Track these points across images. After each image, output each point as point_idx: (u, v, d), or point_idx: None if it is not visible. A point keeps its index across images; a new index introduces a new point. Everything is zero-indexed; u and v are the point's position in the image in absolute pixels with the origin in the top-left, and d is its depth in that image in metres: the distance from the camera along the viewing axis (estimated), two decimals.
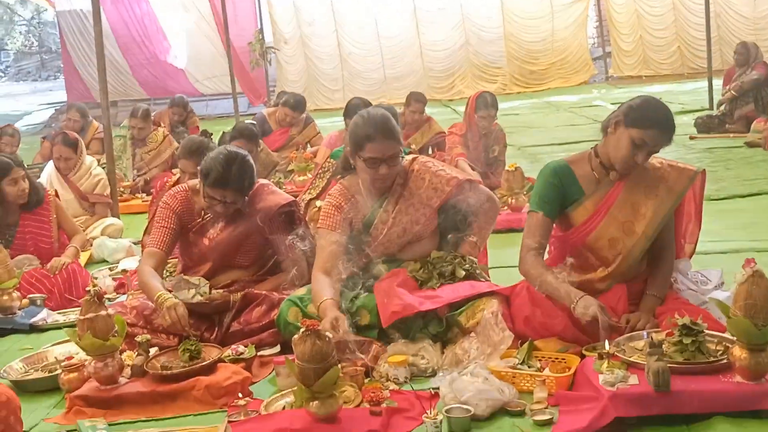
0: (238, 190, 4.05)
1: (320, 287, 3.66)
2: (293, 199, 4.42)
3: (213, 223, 4.19)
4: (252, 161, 4.17)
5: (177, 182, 5.30)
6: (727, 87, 10.27)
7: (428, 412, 2.99)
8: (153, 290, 3.87)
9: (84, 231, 6.18)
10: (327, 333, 3.04)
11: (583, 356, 3.29)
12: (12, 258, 5.00)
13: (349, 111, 6.74)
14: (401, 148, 3.86)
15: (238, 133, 7.15)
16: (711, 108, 11.46)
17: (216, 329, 3.96)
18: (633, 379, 2.89)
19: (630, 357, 3.05)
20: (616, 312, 3.47)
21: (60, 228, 5.51)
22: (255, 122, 7.85)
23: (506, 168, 6.56)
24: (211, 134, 6.11)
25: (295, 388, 3.14)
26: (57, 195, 5.70)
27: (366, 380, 3.43)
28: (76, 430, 3.16)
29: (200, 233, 4.22)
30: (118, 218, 6.99)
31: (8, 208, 5.31)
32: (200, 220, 4.23)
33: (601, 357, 3.04)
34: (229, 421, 3.05)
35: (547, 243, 3.67)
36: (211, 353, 3.64)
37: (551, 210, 3.62)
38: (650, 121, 3.44)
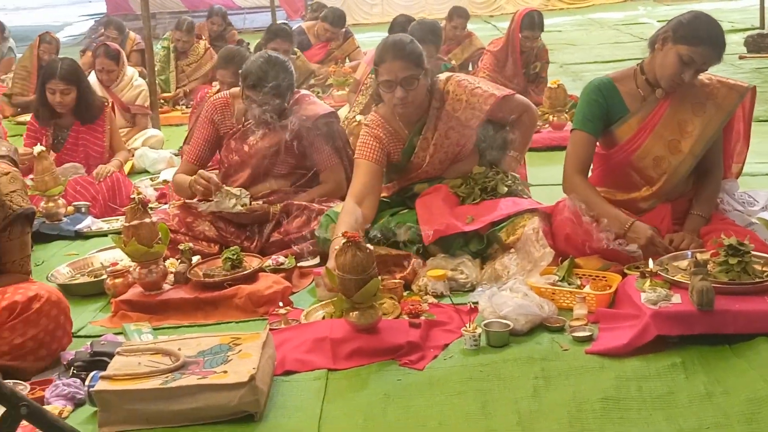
0: (276, 93, 4.03)
1: (343, 217, 3.56)
2: (333, 110, 4.40)
3: (253, 130, 4.19)
4: (291, 66, 4.15)
5: (217, 92, 5.28)
6: None
7: (467, 325, 3.01)
8: (185, 182, 4.15)
9: (126, 142, 6.22)
10: (368, 246, 3.04)
11: (624, 275, 3.28)
12: (60, 164, 5.05)
13: (393, 29, 6.63)
14: (419, 71, 3.71)
15: (272, 33, 7.08)
16: (762, 27, 11.12)
17: (256, 239, 4.00)
18: (676, 298, 2.87)
19: (673, 276, 3.02)
20: (660, 232, 3.44)
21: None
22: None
23: (549, 85, 6.45)
24: (248, 43, 6.04)
25: (335, 298, 3.17)
26: (113, 108, 5.71)
27: (405, 293, 3.45)
28: (121, 333, 3.23)
29: (240, 139, 4.23)
30: (159, 130, 7.01)
31: (56, 112, 5.33)
32: (241, 126, 4.23)
33: (643, 275, 3.02)
34: (270, 329, 3.10)
35: (591, 162, 3.61)
36: (252, 263, 3.67)
37: (595, 128, 3.55)
38: (699, 37, 3.33)
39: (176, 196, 4.83)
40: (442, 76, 3.93)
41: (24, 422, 1.80)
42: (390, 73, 3.69)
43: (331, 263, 3.19)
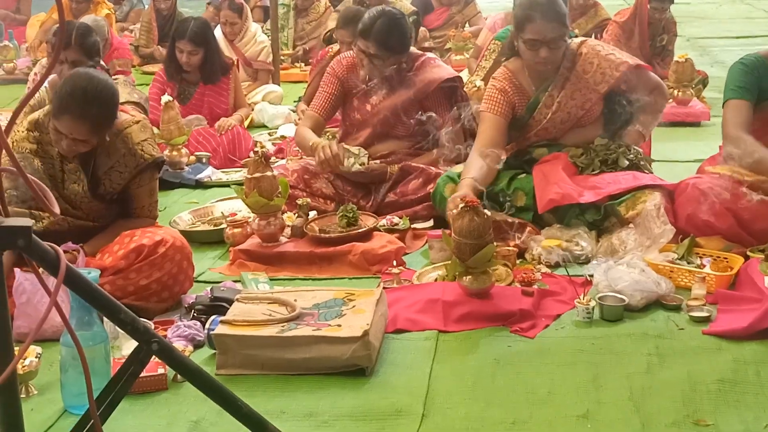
0: (381, 43, 4.04)
1: (469, 167, 3.65)
2: (457, 74, 4.39)
3: (377, 90, 4.22)
4: (407, 23, 4.17)
5: (337, 53, 5.33)
6: None
7: (581, 297, 2.98)
8: (308, 140, 4.09)
9: (246, 96, 6.35)
10: (486, 212, 3.03)
11: (747, 257, 3.18)
12: (184, 115, 5.20)
13: None
14: (566, 31, 3.71)
15: None
16: None
17: (372, 198, 4.04)
18: None
19: None
20: None
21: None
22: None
23: (676, 59, 6.24)
24: (368, 3, 6.03)
25: (448, 261, 3.19)
26: (237, 65, 5.82)
27: (518, 261, 3.44)
28: (239, 280, 3.33)
29: (364, 99, 4.27)
30: (279, 86, 7.12)
31: (183, 69, 5.47)
32: (365, 86, 4.27)
33: None
34: (383, 287, 3.14)
35: (750, 126, 3.45)
36: (367, 221, 3.72)
37: (751, 95, 3.44)
38: None
39: (294, 152, 4.94)
40: (577, 39, 3.88)
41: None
42: (538, 33, 3.65)
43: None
